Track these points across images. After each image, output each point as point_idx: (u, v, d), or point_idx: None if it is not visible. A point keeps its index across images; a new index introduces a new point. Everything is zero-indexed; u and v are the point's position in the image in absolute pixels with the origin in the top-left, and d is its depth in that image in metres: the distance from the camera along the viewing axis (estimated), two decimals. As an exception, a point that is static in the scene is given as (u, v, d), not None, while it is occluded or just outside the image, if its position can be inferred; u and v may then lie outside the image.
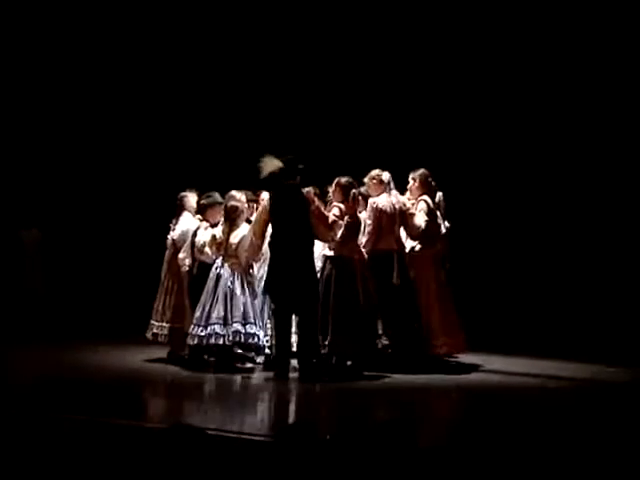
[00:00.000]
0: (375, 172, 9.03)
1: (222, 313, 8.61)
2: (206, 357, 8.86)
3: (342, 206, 8.70)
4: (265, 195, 9.09)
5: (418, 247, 9.07)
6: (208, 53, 12.80)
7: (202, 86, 12.84)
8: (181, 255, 9.21)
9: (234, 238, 8.76)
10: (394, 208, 8.91)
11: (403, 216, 8.99)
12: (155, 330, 9.29)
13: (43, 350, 10.04)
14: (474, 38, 12.02)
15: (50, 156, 13.03)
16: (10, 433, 5.97)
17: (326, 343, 8.52)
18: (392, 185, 8.99)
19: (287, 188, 8.50)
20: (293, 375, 8.42)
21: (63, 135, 13.09)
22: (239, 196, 9.01)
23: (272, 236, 8.53)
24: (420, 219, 8.98)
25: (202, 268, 8.98)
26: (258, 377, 8.55)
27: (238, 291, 8.68)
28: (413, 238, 9.09)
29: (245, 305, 8.66)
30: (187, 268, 9.14)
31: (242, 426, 6.53)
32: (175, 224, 9.43)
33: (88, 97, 13.03)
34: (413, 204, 9.07)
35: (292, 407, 7.76)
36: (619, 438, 6.20)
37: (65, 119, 13.07)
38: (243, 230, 8.77)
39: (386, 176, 8.97)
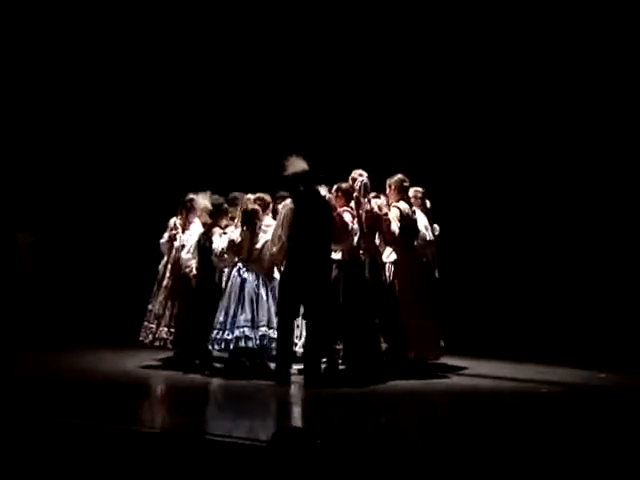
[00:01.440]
0: (353, 173, 9.01)
1: (249, 316, 8.61)
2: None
3: (351, 210, 8.77)
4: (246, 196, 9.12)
5: (393, 254, 9.10)
6: (210, 55, 12.82)
7: (199, 88, 12.87)
8: (186, 256, 9.20)
9: (258, 243, 8.77)
10: (359, 214, 8.84)
11: (378, 220, 9.00)
12: (164, 335, 9.24)
13: (36, 354, 10.03)
14: (469, 41, 12.06)
15: (46, 159, 13.03)
16: (7, 437, 6.00)
17: (337, 347, 8.59)
18: (363, 192, 8.85)
19: (310, 193, 8.53)
20: (294, 379, 8.48)
21: (58, 139, 13.10)
22: (248, 198, 9.04)
23: (291, 239, 8.45)
24: (395, 226, 8.98)
25: (211, 274, 9.02)
26: (256, 382, 8.52)
27: (264, 295, 8.70)
28: (387, 243, 9.13)
29: (269, 310, 8.67)
30: (195, 271, 9.14)
31: (236, 431, 6.53)
32: (183, 227, 9.38)
33: (84, 103, 13.03)
34: (386, 213, 9.07)
35: (286, 412, 7.76)
36: (611, 443, 6.23)
37: (60, 124, 13.07)
38: (264, 234, 8.76)
39: (358, 182, 8.88)
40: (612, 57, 11.58)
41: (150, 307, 9.44)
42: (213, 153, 12.46)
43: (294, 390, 8.30)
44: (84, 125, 13.13)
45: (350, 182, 8.98)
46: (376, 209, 8.97)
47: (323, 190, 8.90)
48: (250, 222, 8.77)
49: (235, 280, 8.74)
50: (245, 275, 8.75)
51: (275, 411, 7.76)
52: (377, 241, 9.09)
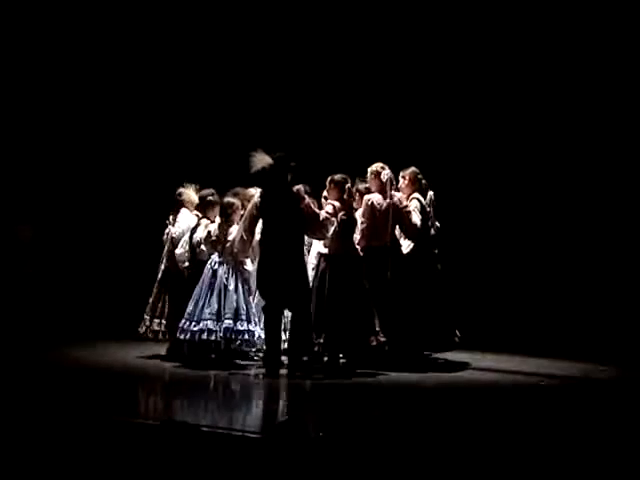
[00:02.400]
0: (374, 167, 9.04)
1: (215, 309, 8.71)
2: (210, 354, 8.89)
3: (336, 204, 8.73)
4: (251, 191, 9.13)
5: (410, 246, 9.09)
6: (204, 49, 12.79)
7: (196, 82, 12.85)
8: (179, 251, 9.24)
9: (230, 235, 8.83)
10: (386, 205, 8.89)
11: (399, 214, 9.00)
12: (155, 327, 9.31)
13: (36, 347, 10.03)
14: (469, 38, 12.04)
15: (46, 151, 13.01)
16: (8, 431, 6.01)
17: (321, 341, 8.59)
18: (390, 185, 8.93)
19: (277, 185, 8.52)
20: (284, 372, 8.46)
21: (58, 131, 13.08)
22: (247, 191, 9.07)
23: (262, 233, 8.56)
24: (416, 218, 9.00)
25: (200, 266, 9.02)
26: (250, 374, 8.57)
27: (231, 287, 8.76)
28: (408, 237, 9.11)
29: (238, 302, 8.74)
30: (187, 264, 9.16)
31: (233, 423, 6.53)
32: (174, 220, 9.43)
33: (83, 96, 13.01)
34: (406, 205, 9.07)
35: (284, 404, 7.75)
36: (612, 436, 6.21)
37: (60, 116, 13.06)
38: (236, 227, 8.83)
39: (385, 176, 8.93)
40: (612, 57, 11.55)
41: (152, 301, 9.48)
42: (218, 147, 12.43)
43: (287, 383, 8.30)
44: (86, 117, 13.10)
45: (371, 176, 9.00)
46: (397, 202, 8.98)
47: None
48: (227, 215, 8.88)
49: (208, 272, 8.87)
50: (216, 267, 8.85)
51: (273, 404, 7.72)
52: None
